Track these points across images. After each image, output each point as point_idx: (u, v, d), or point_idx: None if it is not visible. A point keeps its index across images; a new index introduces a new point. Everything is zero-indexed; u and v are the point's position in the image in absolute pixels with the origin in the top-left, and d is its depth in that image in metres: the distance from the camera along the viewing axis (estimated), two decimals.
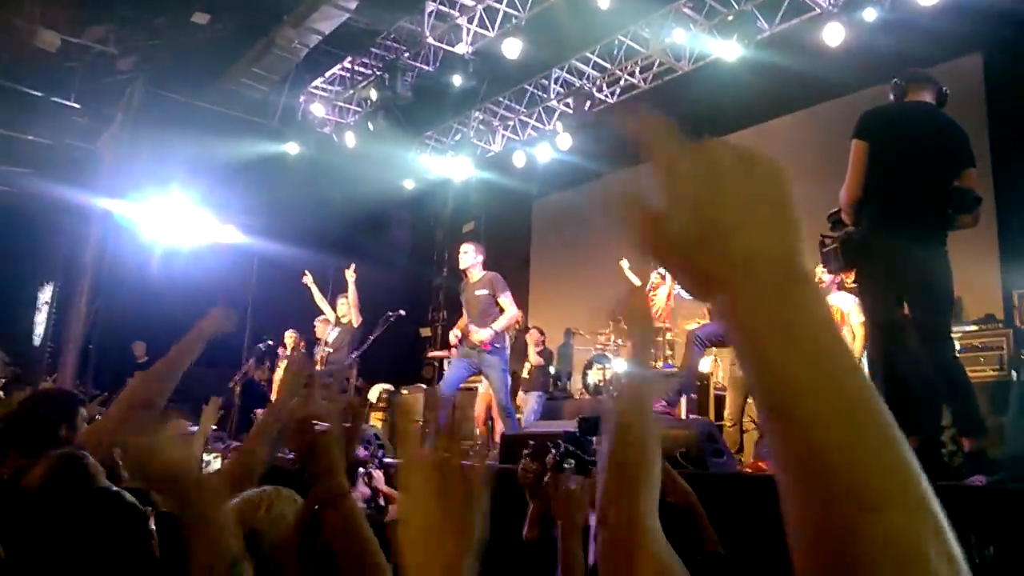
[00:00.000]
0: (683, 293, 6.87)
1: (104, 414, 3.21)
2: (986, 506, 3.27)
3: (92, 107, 12.27)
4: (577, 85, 10.66)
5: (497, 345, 7.05)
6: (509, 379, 7.27)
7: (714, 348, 6.43)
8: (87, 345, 11.46)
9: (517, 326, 8.64)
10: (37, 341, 12.47)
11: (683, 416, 6.55)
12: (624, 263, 8.72)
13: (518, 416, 7.86)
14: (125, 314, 11.20)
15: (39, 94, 11.62)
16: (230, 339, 10.25)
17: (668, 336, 8.49)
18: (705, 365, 7.36)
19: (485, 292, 7.06)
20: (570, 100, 10.87)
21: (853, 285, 6.32)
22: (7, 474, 2.72)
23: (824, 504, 0.47)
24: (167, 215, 11.89)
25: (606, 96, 10.64)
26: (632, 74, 10.35)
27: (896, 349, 3.93)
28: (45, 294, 12.95)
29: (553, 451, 4.28)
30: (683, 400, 6.59)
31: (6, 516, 1.85)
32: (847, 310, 6.19)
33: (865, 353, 4.34)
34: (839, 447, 0.47)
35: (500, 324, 6.99)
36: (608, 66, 10.30)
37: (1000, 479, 3.62)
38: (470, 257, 7.21)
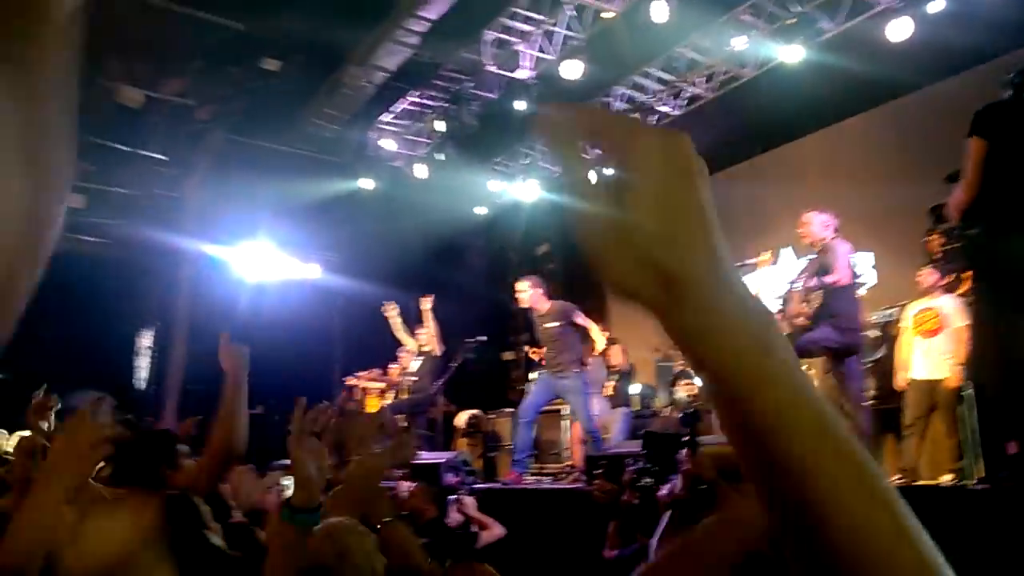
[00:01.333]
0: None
1: (197, 461, 3.36)
2: None
3: (175, 157, 12.86)
4: (640, 100, 10.62)
5: (576, 370, 7.07)
6: (591, 401, 7.26)
7: (803, 360, 6.30)
8: (186, 386, 11.95)
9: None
10: (141, 385, 13.08)
11: None
12: None
13: (605, 436, 7.86)
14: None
15: (126, 148, 12.23)
16: (319, 375, 10.57)
17: None
18: None
19: (557, 324, 7.10)
20: (635, 116, 10.84)
21: (954, 287, 6.14)
22: None
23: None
24: (253, 256, 12.34)
25: (671, 109, 10.57)
26: (695, 85, 10.26)
27: (1018, 352, 3.81)
28: (145, 339, 13.58)
29: (630, 468, 4.28)
30: None
31: None
32: (948, 313, 6.01)
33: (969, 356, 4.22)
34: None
35: (600, 344, 7.07)
36: (671, 79, 10.24)
37: None
38: (527, 294, 7.27)
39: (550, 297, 7.40)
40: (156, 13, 9.33)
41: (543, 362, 7.51)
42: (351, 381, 10.57)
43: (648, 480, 3.74)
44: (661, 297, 0.52)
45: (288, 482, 5.92)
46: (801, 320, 6.10)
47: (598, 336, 7.30)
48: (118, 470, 2.77)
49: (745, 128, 10.17)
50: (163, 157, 12.65)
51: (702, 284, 0.51)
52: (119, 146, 12.10)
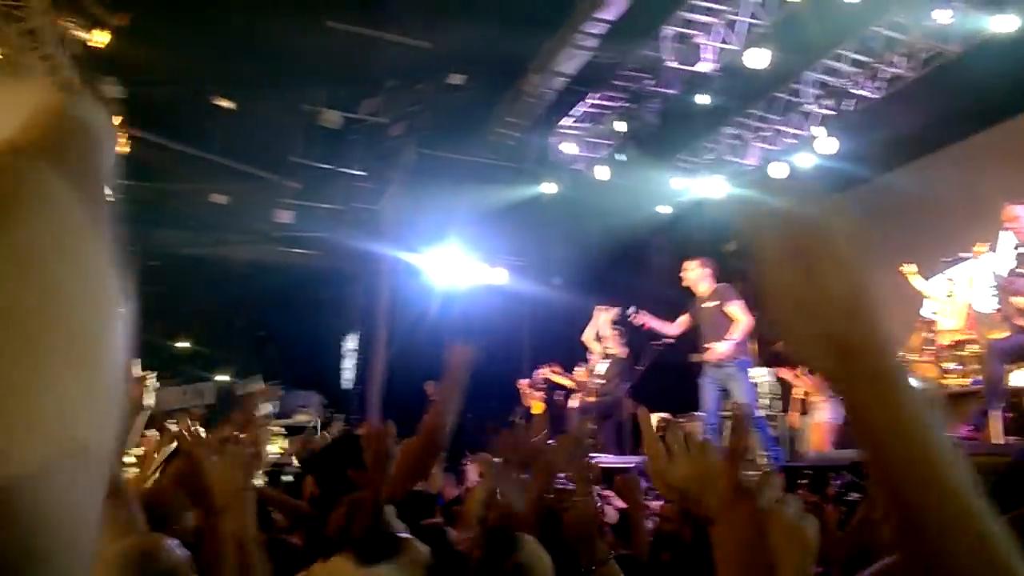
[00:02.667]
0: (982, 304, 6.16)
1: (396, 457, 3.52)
2: None
3: (373, 172, 13.69)
4: (835, 85, 10.01)
5: (739, 358, 6.79)
6: (754, 390, 6.96)
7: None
8: (388, 385, 12.67)
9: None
10: (347, 385, 14.03)
11: (998, 439, 5.82)
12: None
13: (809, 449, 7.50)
14: (418, 356, 12.25)
15: (328, 166, 13.17)
16: (509, 375, 10.83)
17: (974, 348, 7.49)
18: (1021, 379, 6.49)
19: (713, 304, 6.88)
20: (829, 102, 10.23)
21: None
22: (305, 497, 3.12)
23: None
24: (444, 262, 12.89)
25: (869, 92, 9.87)
26: (896, 65, 9.51)
27: None
28: (350, 343, 14.56)
29: (835, 481, 4.01)
30: (996, 420, 5.87)
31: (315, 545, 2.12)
32: None
33: None
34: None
35: (736, 334, 6.76)
36: (867, 60, 9.57)
37: None
38: (695, 273, 7.11)
39: (718, 282, 7.24)
40: (350, 39, 9.97)
41: (703, 357, 7.30)
42: (540, 375, 10.72)
43: (856, 495, 3.51)
44: (838, 366, 0.59)
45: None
46: (1021, 321, 5.48)
47: (738, 330, 6.94)
48: (318, 477, 2.97)
49: (953, 108, 9.30)
50: (361, 173, 13.51)
51: (876, 356, 0.58)
52: (322, 165, 13.06)
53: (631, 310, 8.01)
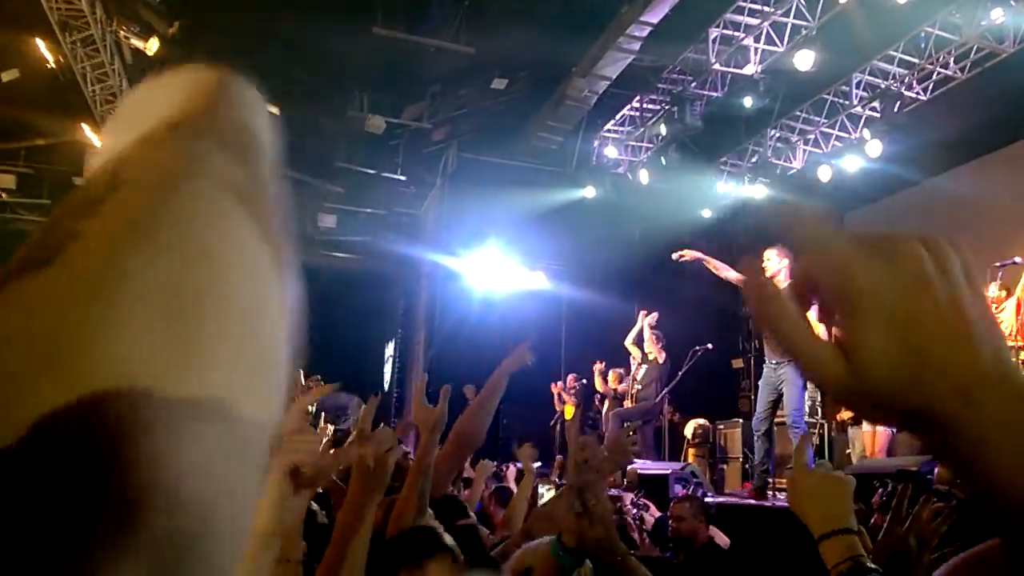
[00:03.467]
0: None
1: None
2: None
3: (415, 177, 13.83)
4: (883, 87, 9.83)
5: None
6: (804, 396, 6.72)
7: None
8: (427, 391, 12.74)
9: None
10: (386, 388, 14.14)
11: None
12: None
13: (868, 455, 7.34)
14: (456, 360, 12.31)
15: (372, 171, 13.32)
16: (547, 381, 10.81)
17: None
18: None
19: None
20: (876, 104, 10.06)
21: None
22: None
23: None
24: (484, 266, 12.94)
25: (918, 94, 9.68)
26: (946, 66, 9.31)
27: None
28: (390, 348, 14.68)
29: (880, 491, 3.93)
30: None
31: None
32: None
33: None
34: None
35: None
36: (916, 61, 9.38)
37: None
38: (774, 264, 6.87)
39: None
40: (396, 46, 10.08)
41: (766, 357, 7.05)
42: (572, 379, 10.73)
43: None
44: (923, 428, 0.47)
45: (546, 490, 6.12)
46: None
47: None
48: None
49: (1005, 110, 9.07)
50: (403, 178, 13.64)
51: (958, 419, 0.45)
52: (365, 170, 13.22)
53: (676, 254, 7.58)
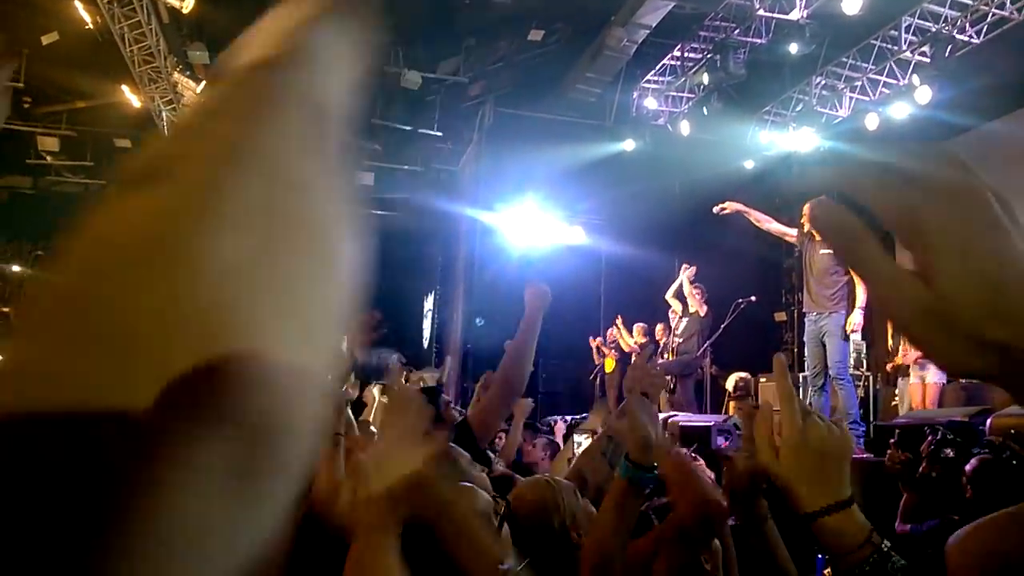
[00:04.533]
0: None
1: (481, 400, 3.55)
2: None
3: (452, 133, 13.74)
4: (934, 30, 9.44)
5: (839, 309, 6.40)
6: (847, 348, 6.53)
7: None
8: (466, 345, 12.82)
9: None
10: (425, 344, 14.26)
11: None
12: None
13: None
14: (494, 315, 12.34)
15: (408, 128, 13.27)
16: (586, 334, 10.78)
17: None
18: None
19: (830, 251, 6.40)
20: (927, 48, 9.67)
21: None
22: None
23: None
24: (522, 221, 12.87)
25: (971, 37, 9.27)
26: (1001, 7, 8.88)
27: None
28: (428, 302, 14.76)
29: (930, 437, 3.85)
30: None
31: None
32: None
33: None
34: None
35: (859, 294, 6.32)
36: (970, 3, 8.97)
37: None
38: None
39: None
40: None
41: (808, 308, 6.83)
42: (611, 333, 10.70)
43: (949, 451, 3.36)
44: (1003, 371, 0.46)
45: (582, 439, 6.15)
46: None
47: (860, 292, 6.43)
48: None
49: None
50: (440, 134, 13.57)
51: None
52: (402, 126, 13.17)
53: (718, 207, 7.38)
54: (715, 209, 7.34)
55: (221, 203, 0.30)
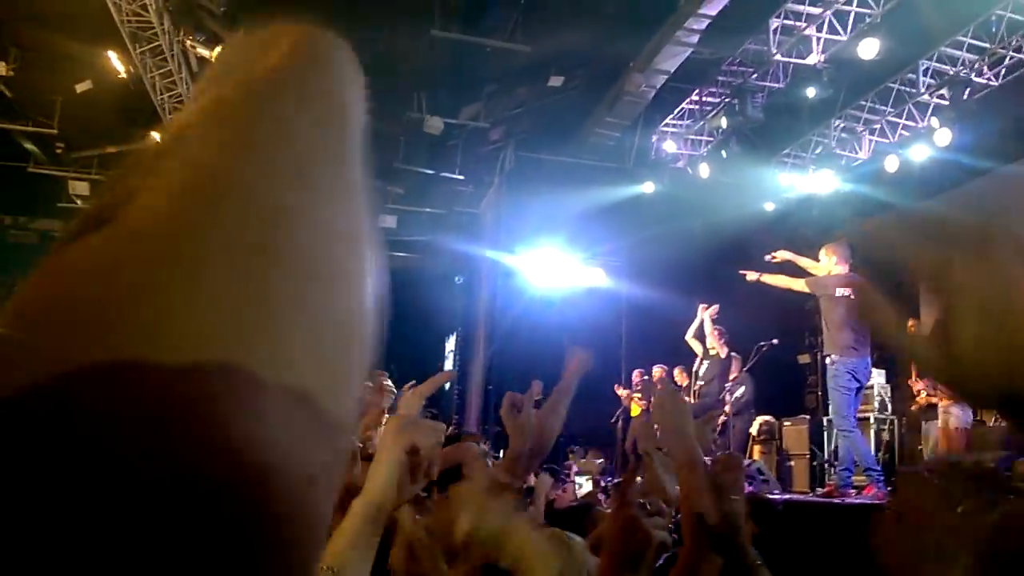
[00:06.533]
0: None
1: (504, 459, 3.55)
2: None
3: (473, 176, 13.91)
4: (951, 73, 9.50)
5: (836, 354, 6.33)
6: (846, 396, 6.41)
7: None
8: (487, 387, 12.83)
9: None
10: (447, 386, 14.28)
11: None
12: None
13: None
14: (515, 357, 12.36)
15: (430, 172, 13.44)
16: (606, 376, 10.75)
17: None
18: None
19: (830, 294, 6.38)
20: (945, 91, 9.73)
21: None
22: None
23: None
24: (542, 263, 12.95)
25: (988, 79, 9.32)
26: (1019, 50, 8.94)
27: None
28: (450, 344, 14.81)
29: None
30: None
31: None
32: None
33: None
34: None
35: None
36: (987, 46, 9.03)
37: None
38: (824, 262, 6.66)
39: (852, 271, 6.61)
40: (452, 47, 10.16)
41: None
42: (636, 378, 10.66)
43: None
44: (1014, 414, 0.49)
45: (583, 481, 6.14)
46: None
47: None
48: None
49: None
50: (461, 177, 13.73)
51: None
52: (424, 170, 13.35)
53: (769, 256, 7.34)
54: (767, 257, 7.38)
55: (186, 245, 0.25)
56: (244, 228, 0.26)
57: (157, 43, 9.40)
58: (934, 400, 7.94)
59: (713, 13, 8.91)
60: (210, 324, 0.24)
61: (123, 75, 10.28)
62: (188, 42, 9.85)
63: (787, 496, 7.01)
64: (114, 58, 10.04)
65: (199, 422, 0.22)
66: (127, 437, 0.22)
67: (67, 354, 0.22)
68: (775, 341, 8.82)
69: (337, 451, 0.27)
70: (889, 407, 8.71)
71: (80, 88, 10.41)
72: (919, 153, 10.38)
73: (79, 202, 13.13)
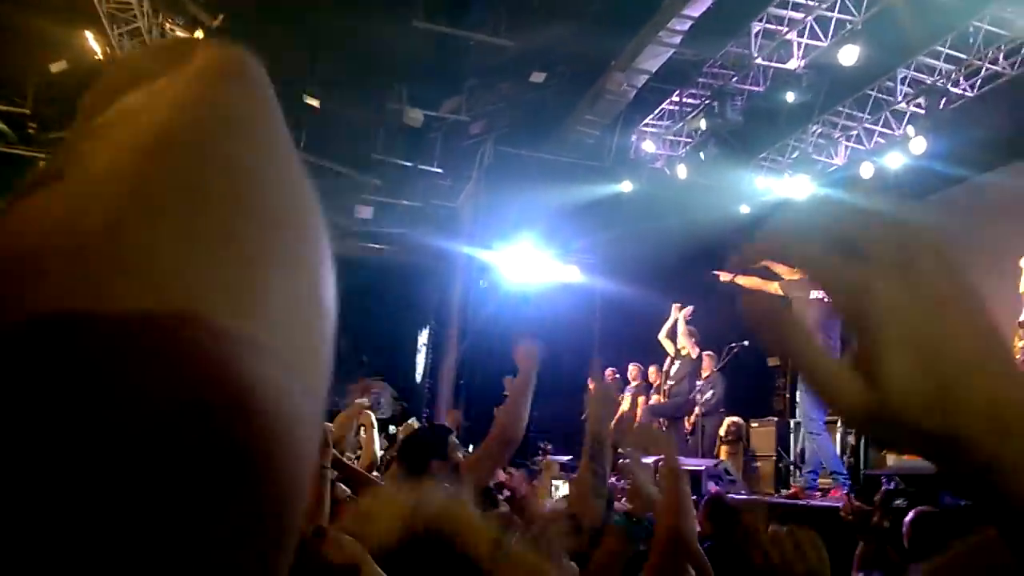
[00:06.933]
0: None
1: (477, 450, 3.58)
2: None
3: (451, 170, 13.87)
4: (929, 83, 9.64)
5: None
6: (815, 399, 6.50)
7: None
8: (459, 381, 12.82)
9: None
10: (418, 379, 14.26)
11: None
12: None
13: None
14: (489, 352, 12.36)
15: (409, 164, 13.39)
16: (577, 372, 10.80)
17: None
18: None
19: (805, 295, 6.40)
20: (922, 100, 9.86)
21: None
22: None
23: None
24: (518, 259, 12.96)
25: (964, 90, 9.47)
26: (995, 62, 9.09)
27: None
28: (423, 337, 14.78)
29: (883, 488, 3.91)
30: None
31: None
32: None
33: None
34: None
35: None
36: (964, 57, 9.17)
37: None
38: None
39: None
40: (435, 39, 10.12)
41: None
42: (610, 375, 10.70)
43: (901, 502, 3.43)
44: (944, 461, 0.43)
45: (560, 484, 6.14)
46: None
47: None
48: (401, 462, 3.04)
49: None
50: (440, 170, 13.69)
51: (995, 451, 0.40)
52: (402, 162, 13.29)
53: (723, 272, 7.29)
54: (715, 272, 7.37)
55: (141, 190, 0.25)
56: (201, 176, 0.26)
57: (136, 25, 9.27)
58: None
59: (696, 15, 8.95)
60: (170, 272, 0.23)
61: (100, 56, 10.12)
62: (168, 25, 9.72)
63: (752, 496, 7.09)
64: (91, 38, 9.89)
65: (154, 370, 0.22)
66: (82, 385, 0.21)
67: (19, 304, 0.22)
68: (745, 343, 8.91)
69: (309, 402, 0.26)
70: None
71: (55, 68, 10.24)
72: (894, 160, 10.53)
73: None
